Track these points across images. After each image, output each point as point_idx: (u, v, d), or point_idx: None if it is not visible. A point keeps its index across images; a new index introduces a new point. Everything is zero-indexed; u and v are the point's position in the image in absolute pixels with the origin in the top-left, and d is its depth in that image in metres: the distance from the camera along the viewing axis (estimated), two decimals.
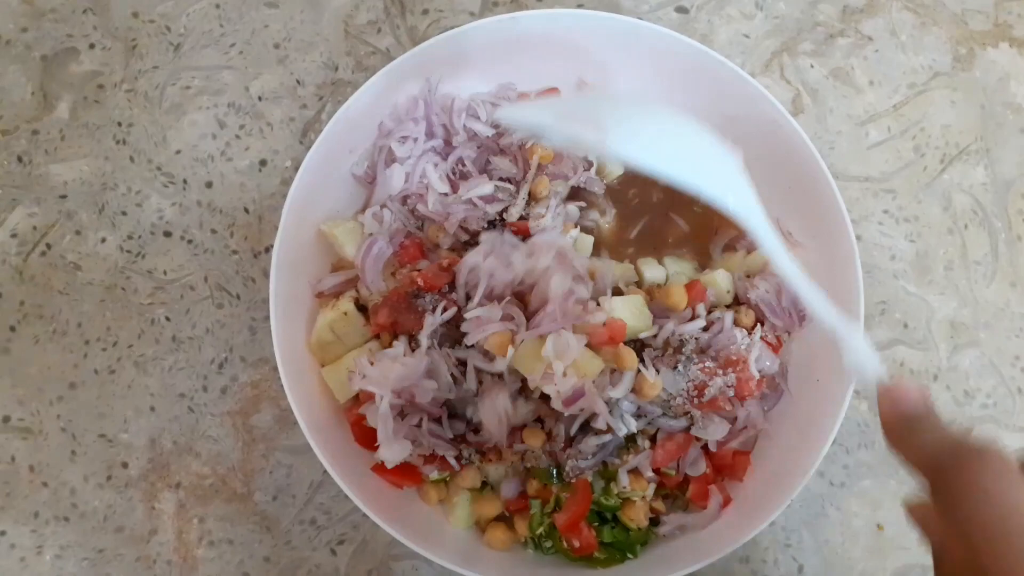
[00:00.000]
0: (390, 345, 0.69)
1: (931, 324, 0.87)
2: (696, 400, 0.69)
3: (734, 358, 0.71)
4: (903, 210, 0.89)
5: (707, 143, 0.55)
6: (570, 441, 0.68)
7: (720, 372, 0.69)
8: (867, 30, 0.94)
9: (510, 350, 0.64)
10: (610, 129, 0.51)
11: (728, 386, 0.70)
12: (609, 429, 0.66)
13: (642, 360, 0.68)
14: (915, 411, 0.48)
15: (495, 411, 0.66)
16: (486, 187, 0.73)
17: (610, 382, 0.66)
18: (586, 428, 0.67)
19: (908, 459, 0.47)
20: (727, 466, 0.72)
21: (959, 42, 0.94)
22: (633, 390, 0.67)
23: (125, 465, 0.79)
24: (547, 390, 0.63)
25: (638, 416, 0.69)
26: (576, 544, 0.68)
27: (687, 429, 0.70)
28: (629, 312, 0.68)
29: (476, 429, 0.70)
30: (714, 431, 0.70)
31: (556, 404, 0.63)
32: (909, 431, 0.48)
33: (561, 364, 0.63)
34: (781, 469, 0.71)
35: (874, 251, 0.88)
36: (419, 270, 0.70)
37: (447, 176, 0.76)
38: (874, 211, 0.89)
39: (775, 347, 0.75)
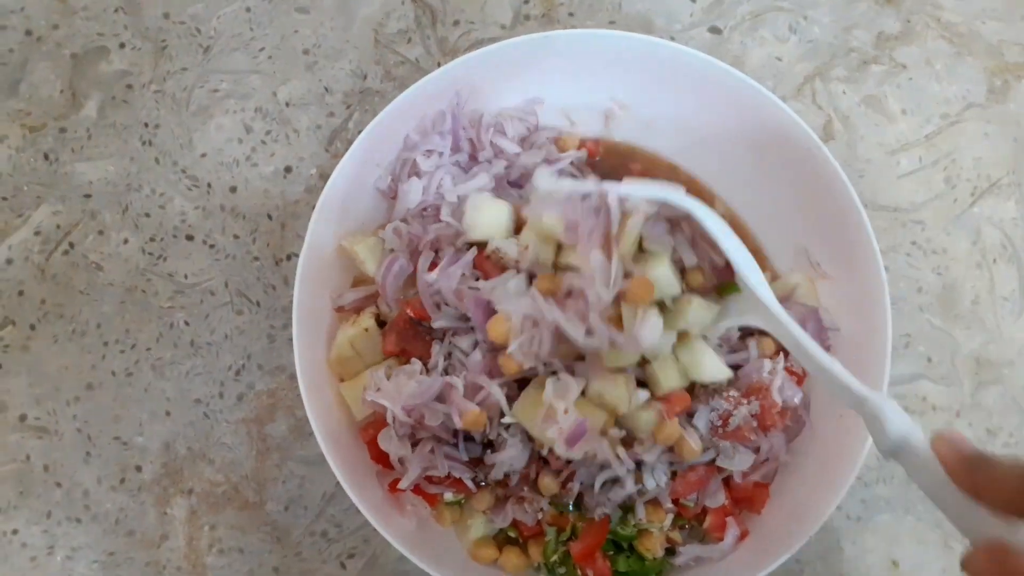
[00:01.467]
0: (408, 363, 0.69)
1: (955, 359, 0.86)
2: (721, 430, 0.68)
3: (757, 385, 0.70)
4: (931, 242, 0.88)
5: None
6: (590, 489, 0.66)
7: (744, 401, 0.69)
8: (901, 58, 0.93)
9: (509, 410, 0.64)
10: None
11: (752, 415, 0.69)
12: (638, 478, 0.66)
13: (689, 418, 0.67)
14: (976, 451, 0.47)
15: (505, 463, 0.66)
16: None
17: (643, 447, 0.65)
18: (606, 483, 0.66)
19: (987, 500, 0.45)
20: (746, 498, 0.71)
21: (994, 73, 0.93)
22: (670, 449, 0.66)
23: (139, 469, 0.79)
24: (550, 434, 0.61)
25: (671, 464, 0.68)
26: (590, 574, 0.67)
27: (712, 461, 0.70)
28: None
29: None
30: (740, 462, 0.69)
31: (559, 449, 0.61)
32: (978, 471, 0.46)
33: (562, 403, 0.61)
34: (800, 504, 0.70)
35: (900, 282, 0.87)
36: (409, 300, 0.69)
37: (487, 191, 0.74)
38: (902, 242, 0.88)
39: (799, 377, 0.74)
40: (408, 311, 0.68)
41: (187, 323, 0.82)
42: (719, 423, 0.68)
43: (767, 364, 0.71)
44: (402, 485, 0.67)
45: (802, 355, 0.59)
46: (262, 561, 0.78)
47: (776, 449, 0.72)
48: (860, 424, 0.69)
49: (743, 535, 0.71)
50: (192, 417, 0.80)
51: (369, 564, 0.78)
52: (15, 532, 0.78)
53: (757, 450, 0.71)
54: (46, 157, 0.85)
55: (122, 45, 0.88)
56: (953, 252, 0.88)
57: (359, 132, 0.72)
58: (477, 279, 0.67)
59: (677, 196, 0.60)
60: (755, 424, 0.69)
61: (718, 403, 0.68)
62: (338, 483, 0.68)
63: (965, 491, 0.47)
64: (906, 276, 0.87)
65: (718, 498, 0.70)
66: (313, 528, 0.79)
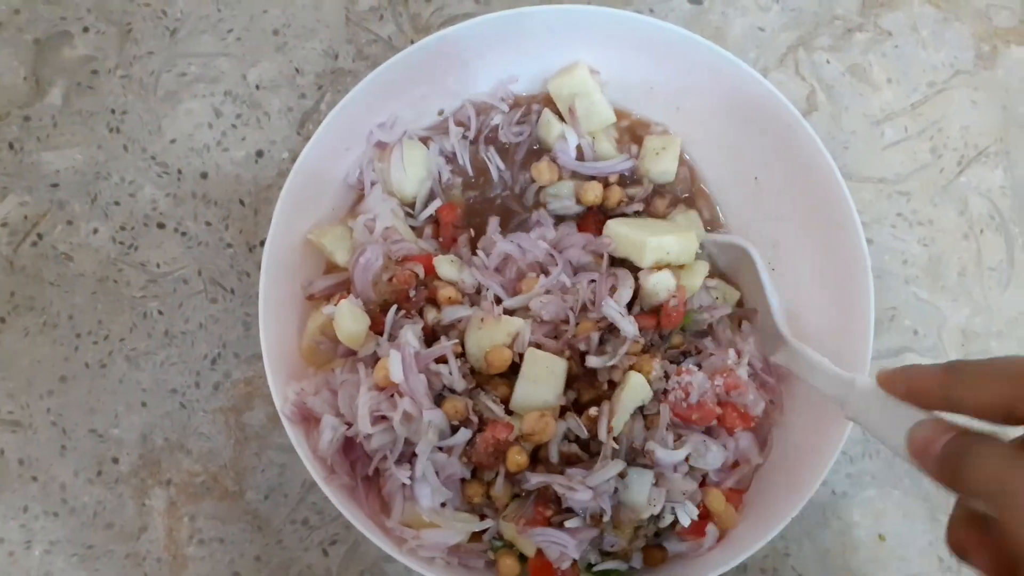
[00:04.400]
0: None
1: (942, 332, 0.84)
2: (684, 404, 0.67)
3: (722, 368, 0.69)
4: (917, 213, 0.87)
5: None
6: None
7: (701, 371, 0.69)
8: (887, 25, 0.90)
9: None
10: None
11: (717, 386, 0.68)
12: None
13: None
14: (948, 447, 0.44)
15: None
16: None
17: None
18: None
19: (971, 408, 0.43)
20: (716, 509, 0.70)
21: (982, 39, 0.91)
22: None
23: (116, 461, 0.78)
24: None
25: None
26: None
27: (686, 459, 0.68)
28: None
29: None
30: (712, 459, 0.69)
31: None
32: (954, 385, 0.44)
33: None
34: (784, 482, 0.70)
35: (886, 255, 0.86)
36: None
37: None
38: (887, 214, 0.86)
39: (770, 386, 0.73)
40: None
41: (161, 312, 0.81)
42: (682, 398, 0.67)
43: (732, 354, 0.70)
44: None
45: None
46: (243, 551, 0.77)
47: (747, 451, 0.71)
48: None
49: (722, 535, 0.70)
50: (168, 407, 0.79)
51: (352, 550, 0.78)
52: None
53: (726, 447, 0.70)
54: (11, 147, 0.83)
55: (86, 29, 0.86)
56: (939, 223, 0.87)
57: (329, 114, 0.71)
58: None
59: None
60: (717, 399, 0.68)
61: (681, 378, 0.67)
62: None
63: (941, 482, 0.45)
64: (891, 248, 0.86)
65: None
66: (294, 516, 0.78)
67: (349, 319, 0.66)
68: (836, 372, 0.61)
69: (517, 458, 0.65)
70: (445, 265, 0.70)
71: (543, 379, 0.66)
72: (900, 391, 0.49)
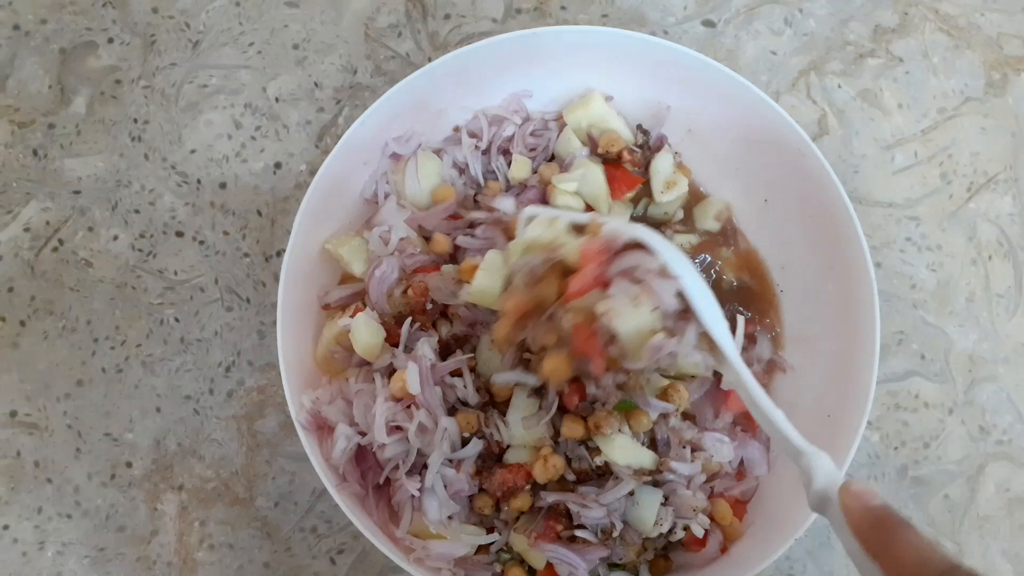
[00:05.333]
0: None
1: (949, 356, 0.85)
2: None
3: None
4: (926, 238, 0.87)
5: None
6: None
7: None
8: (898, 51, 0.92)
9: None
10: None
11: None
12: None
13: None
14: (884, 506, 0.44)
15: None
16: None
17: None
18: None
19: (884, 567, 0.42)
20: (722, 520, 0.71)
21: (993, 67, 0.92)
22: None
23: (129, 465, 0.79)
24: None
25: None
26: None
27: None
28: None
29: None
30: (726, 452, 0.70)
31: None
32: (880, 531, 0.43)
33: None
34: (787, 505, 0.70)
35: (894, 279, 0.86)
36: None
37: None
38: (896, 238, 0.87)
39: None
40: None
41: (177, 320, 0.82)
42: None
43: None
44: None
45: (750, 403, 0.56)
46: (252, 557, 0.78)
47: (754, 460, 0.72)
48: (849, 422, 0.70)
49: (724, 548, 0.71)
50: (182, 413, 0.81)
51: (359, 560, 0.79)
52: (6, 527, 0.78)
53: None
54: (35, 153, 0.85)
55: (111, 40, 0.88)
56: (948, 248, 0.87)
57: (349, 128, 0.72)
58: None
59: (650, 237, 0.58)
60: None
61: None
62: None
63: (865, 548, 0.43)
64: (900, 273, 0.86)
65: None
66: (303, 524, 0.79)
67: (366, 332, 0.67)
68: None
69: (519, 502, 0.66)
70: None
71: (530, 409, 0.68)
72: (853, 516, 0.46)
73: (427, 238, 0.75)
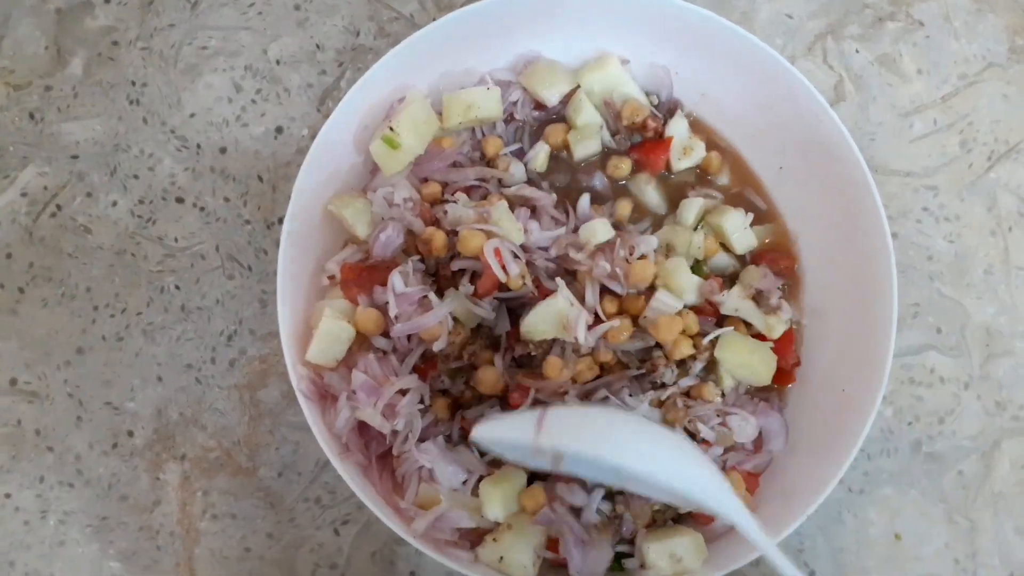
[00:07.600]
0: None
1: (965, 330, 0.83)
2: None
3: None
4: (944, 208, 0.85)
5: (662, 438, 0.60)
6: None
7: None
8: (919, 14, 0.89)
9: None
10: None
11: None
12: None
13: None
14: None
15: None
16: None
17: None
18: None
19: None
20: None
21: (1016, 32, 0.88)
22: None
23: (131, 434, 0.79)
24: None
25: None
26: None
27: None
28: None
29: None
30: (746, 432, 0.70)
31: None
32: None
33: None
34: (800, 481, 0.69)
35: (910, 250, 0.84)
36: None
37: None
38: (913, 208, 0.85)
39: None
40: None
41: (178, 287, 0.81)
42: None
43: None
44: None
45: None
46: (255, 527, 0.77)
47: (772, 432, 0.71)
48: (864, 397, 0.68)
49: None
50: (184, 382, 0.79)
51: (363, 531, 0.78)
52: (8, 496, 0.77)
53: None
54: (31, 116, 0.83)
55: (107, 0, 0.85)
56: (966, 219, 0.85)
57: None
58: None
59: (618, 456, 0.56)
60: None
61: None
62: None
63: None
64: (916, 243, 0.84)
65: None
66: (307, 494, 0.78)
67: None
68: None
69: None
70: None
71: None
72: None
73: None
